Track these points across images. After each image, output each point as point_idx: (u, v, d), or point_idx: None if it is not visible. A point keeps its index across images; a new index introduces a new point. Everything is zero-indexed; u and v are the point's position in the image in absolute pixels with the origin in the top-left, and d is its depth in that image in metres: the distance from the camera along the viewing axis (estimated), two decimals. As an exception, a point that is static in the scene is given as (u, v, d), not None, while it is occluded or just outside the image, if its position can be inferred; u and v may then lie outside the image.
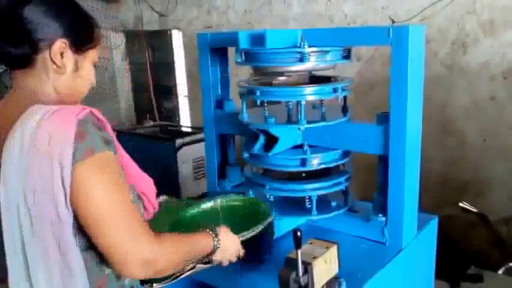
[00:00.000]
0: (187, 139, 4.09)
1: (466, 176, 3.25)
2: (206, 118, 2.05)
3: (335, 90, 1.64)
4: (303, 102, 1.61)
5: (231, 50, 1.86)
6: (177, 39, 5.31)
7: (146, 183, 1.19)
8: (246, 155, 1.79)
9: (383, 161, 1.63)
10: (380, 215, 1.66)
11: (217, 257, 1.29)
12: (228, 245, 1.31)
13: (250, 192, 1.87)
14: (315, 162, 1.69)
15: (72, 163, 0.93)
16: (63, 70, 1.06)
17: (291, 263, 1.30)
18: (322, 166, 1.70)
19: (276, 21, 4.08)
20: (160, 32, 5.38)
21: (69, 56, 1.06)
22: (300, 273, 1.29)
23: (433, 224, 1.82)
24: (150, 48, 5.63)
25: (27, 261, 0.97)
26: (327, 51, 1.62)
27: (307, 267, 1.29)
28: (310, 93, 1.61)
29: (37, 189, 0.94)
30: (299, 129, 1.65)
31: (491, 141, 3.14)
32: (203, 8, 4.70)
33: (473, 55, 3.12)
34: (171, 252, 1.07)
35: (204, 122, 2.07)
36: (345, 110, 1.75)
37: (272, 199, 1.87)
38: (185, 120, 5.53)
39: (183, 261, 1.15)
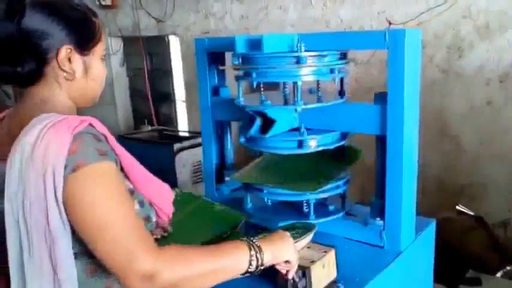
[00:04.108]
0: (185, 143, 4.10)
1: (462, 180, 3.26)
2: (204, 123, 2.06)
3: (332, 71, 1.64)
4: (300, 83, 1.60)
5: (228, 54, 1.87)
6: (175, 45, 5.33)
7: (158, 192, 1.13)
8: (242, 139, 1.78)
9: (381, 164, 1.63)
10: (378, 219, 1.66)
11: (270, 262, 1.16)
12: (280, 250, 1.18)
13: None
14: (313, 144, 1.68)
15: (65, 175, 0.92)
16: (73, 75, 1.06)
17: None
18: (320, 148, 1.69)
19: (273, 27, 4.10)
20: (157, 38, 5.39)
21: (77, 59, 1.06)
22: (298, 278, 1.29)
23: (431, 227, 1.82)
24: (147, 54, 5.65)
25: (24, 273, 0.96)
26: (324, 56, 1.62)
27: (305, 271, 1.29)
28: (306, 73, 1.60)
29: (33, 203, 0.93)
30: (296, 110, 1.65)
31: (487, 145, 3.15)
32: (200, 13, 4.71)
33: (469, 59, 3.14)
34: (178, 266, 0.97)
35: (201, 127, 2.07)
36: (341, 92, 1.75)
37: (270, 203, 1.88)
38: (183, 125, 5.53)
39: (205, 275, 1.02)
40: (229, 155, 2.11)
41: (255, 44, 1.56)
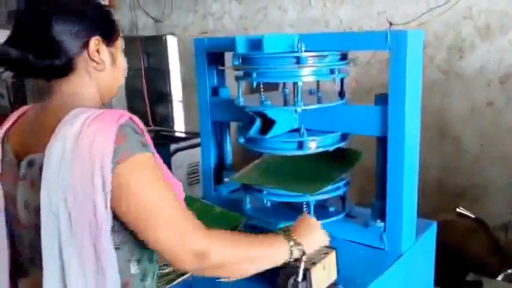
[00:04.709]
0: (181, 144, 4.07)
1: (463, 182, 3.25)
2: (203, 124, 2.04)
3: (332, 72, 1.63)
4: (300, 84, 1.59)
5: (227, 55, 1.85)
6: (172, 45, 5.30)
7: (179, 190, 1.17)
8: (241, 140, 1.77)
9: (381, 165, 1.62)
10: (378, 221, 1.65)
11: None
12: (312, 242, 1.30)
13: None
14: (313, 145, 1.67)
15: (112, 166, 0.94)
16: (103, 66, 1.11)
17: (289, 269, 1.28)
18: (320, 150, 1.68)
19: (272, 27, 4.08)
20: (155, 38, 5.37)
21: (105, 50, 1.11)
22: (299, 280, 1.27)
23: (432, 229, 1.81)
24: (145, 54, 5.62)
25: (63, 264, 0.97)
26: (324, 56, 1.61)
27: (306, 273, 1.27)
28: (307, 74, 1.59)
29: (78, 193, 0.94)
30: (296, 111, 1.63)
31: (488, 147, 3.14)
32: (198, 13, 4.69)
33: (469, 60, 3.13)
34: (226, 246, 1.05)
35: (200, 128, 2.06)
36: (342, 94, 1.74)
37: (269, 204, 1.86)
38: (179, 126, 5.51)
39: (248, 260, 1.11)
40: (228, 156, 2.09)
41: (256, 44, 1.55)
